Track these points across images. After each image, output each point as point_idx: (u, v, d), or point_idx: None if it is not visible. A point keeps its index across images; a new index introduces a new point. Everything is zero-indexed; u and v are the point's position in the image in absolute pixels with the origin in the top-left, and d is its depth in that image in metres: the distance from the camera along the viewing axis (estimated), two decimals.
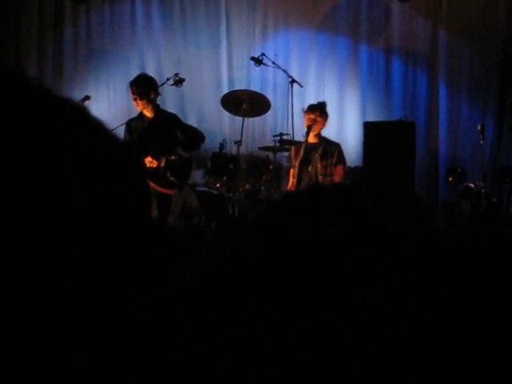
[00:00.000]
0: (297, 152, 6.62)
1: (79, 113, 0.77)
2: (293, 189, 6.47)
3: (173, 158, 6.27)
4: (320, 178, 6.57)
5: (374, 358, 0.82)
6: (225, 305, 0.80)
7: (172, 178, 6.29)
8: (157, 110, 6.53)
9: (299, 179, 6.46)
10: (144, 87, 6.40)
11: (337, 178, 6.62)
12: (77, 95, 6.93)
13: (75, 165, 0.70)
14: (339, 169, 6.68)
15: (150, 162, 6.17)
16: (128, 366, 0.72)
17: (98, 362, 0.69)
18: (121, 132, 6.35)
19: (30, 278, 0.65)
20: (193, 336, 0.79)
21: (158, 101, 6.63)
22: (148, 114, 6.47)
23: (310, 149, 6.56)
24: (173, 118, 6.56)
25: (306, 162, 6.54)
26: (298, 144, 6.69)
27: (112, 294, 0.69)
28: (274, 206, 1.00)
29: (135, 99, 6.44)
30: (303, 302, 0.82)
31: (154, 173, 6.14)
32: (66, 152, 0.70)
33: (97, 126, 0.78)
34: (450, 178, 7.67)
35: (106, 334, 0.69)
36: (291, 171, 6.72)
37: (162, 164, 6.24)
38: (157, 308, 0.76)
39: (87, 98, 6.53)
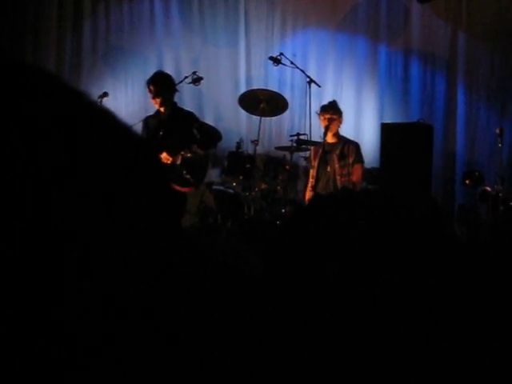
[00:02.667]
0: (316, 152, 6.61)
1: (105, 113, 0.77)
2: (311, 189, 6.45)
3: (188, 155, 6.25)
4: (338, 177, 6.56)
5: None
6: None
7: (188, 176, 6.27)
8: (173, 107, 6.53)
9: (317, 179, 6.44)
10: (161, 84, 6.41)
11: (355, 178, 6.61)
12: (95, 92, 6.94)
13: (99, 164, 0.69)
14: (357, 168, 6.67)
15: (165, 158, 6.16)
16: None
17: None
18: (138, 129, 6.35)
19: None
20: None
21: (176, 99, 6.64)
22: (165, 111, 6.48)
23: (328, 149, 6.55)
24: (189, 115, 6.56)
25: (324, 162, 6.54)
26: (316, 144, 6.68)
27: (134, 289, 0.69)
28: (302, 209, 1.00)
29: (152, 97, 6.46)
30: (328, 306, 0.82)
31: (169, 170, 6.13)
32: (91, 151, 0.70)
33: (120, 125, 0.78)
34: (467, 182, 7.62)
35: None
36: (311, 171, 6.70)
37: (178, 161, 6.23)
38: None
39: (105, 94, 6.54)
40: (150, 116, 6.61)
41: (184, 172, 6.23)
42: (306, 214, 0.98)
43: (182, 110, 6.64)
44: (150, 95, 6.50)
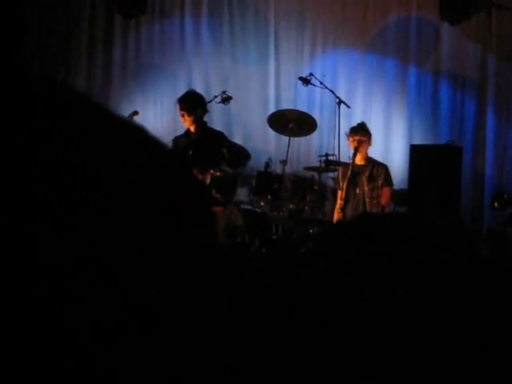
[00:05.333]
0: (344, 174, 6.60)
1: (139, 131, 0.78)
2: (340, 211, 6.44)
3: (218, 173, 6.28)
4: (367, 200, 6.54)
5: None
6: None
7: (217, 195, 6.29)
8: (203, 126, 6.57)
9: (346, 201, 6.42)
10: (191, 103, 6.45)
11: (384, 201, 6.58)
12: (125, 110, 7.01)
13: (136, 178, 0.71)
14: (386, 191, 6.65)
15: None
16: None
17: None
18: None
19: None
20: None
21: (206, 118, 6.67)
22: (195, 130, 6.51)
23: (357, 171, 6.54)
24: (219, 135, 6.59)
25: (353, 184, 6.52)
26: (345, 165, 6.68)
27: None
28: (325, 235, 1.01)
29: (182, 115, 6.49)
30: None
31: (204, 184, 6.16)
32: (127, 165, 0.71)
33: (152, 139, 0.79)
34: (496, 204, 7.57)
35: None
36: (339, 193, 6.69)
37: (207, 180, 6.25)
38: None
39: (136, 113, 6.60)
40: (180, 136, 6.65)
41: (213, 191, 6.25)
42: (330, 238, 0.99)
43: (211, 129, 6.68)
44: (180, 114, 6.53)
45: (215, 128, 6.83)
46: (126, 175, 0.69)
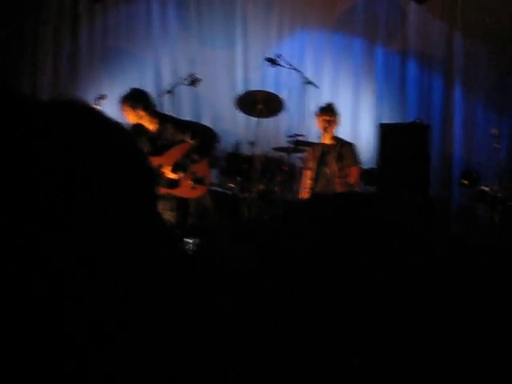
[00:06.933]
0: (313, 154, 6.61)
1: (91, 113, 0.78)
2: (308, 191, 6.46)
3: (193, 170, 6.20)
4: (336, 179, 6.56)
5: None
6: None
7: (196, 186, 6.24)
8: (159, 120, 6.22)
9: (315, 181, 6.44)
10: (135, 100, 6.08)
11: (352, 180, 6.61)
12: (92, 94, 6.95)
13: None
14: (354, 170, 6.68)
15: (169, 175, 6.07)
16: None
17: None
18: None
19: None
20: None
21: (173, 101, 6.58)
22: (149, 125, 6.19)
23: (326, 150, 6.56)
24: (175, 123, 6.27)
25: (322, 163, 6.54)
26: (313, 146, 6.69)
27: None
28: (287, 216, 1.01)
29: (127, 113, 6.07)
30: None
31: (175, 183, 6.11)
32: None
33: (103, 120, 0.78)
34: (465, 182, 7.62)
35: None
36: (307, 173, 6.70)
37: (181, 175, 6.14)
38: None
39: (102, 96, 6.51)
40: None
41: (191, 184, 6.18)
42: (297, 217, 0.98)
43: (166, 118, 6.30)
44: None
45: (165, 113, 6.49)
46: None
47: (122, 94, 6.12)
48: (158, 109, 6.40)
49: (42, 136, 0.69)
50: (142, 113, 6.08)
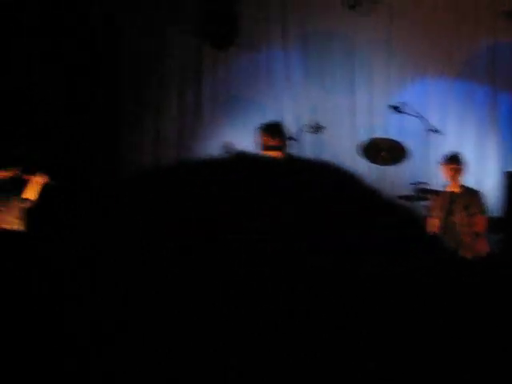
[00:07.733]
0: (440, 202, 6.53)
1: None
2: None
3: None
4: (463, 229, 6.44)
5: None
6: None
7: None
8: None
9: (443, 229, 6.35)
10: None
11: (479, 229, 6.48)
12: (214, 140, 7.09)
13: None
14: (481, 219, 6.54)
15: None
16: None
17: None
18: None
19: None
20: None
21: (296, 147, 6.60)
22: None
23: (453, 199, 6.47)
24: None
25: (449, 212, 6.45)
26: (439, 194, 6.61)
27: None
28: None
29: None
30: None
31: None
32: None
33: None
34: None
35: None
36: (432, 221, 6.60)
37: None
38: None
39: (229, 144, 6.59)
40: None
41: None
42: None
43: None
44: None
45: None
46: None
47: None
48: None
49: None
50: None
